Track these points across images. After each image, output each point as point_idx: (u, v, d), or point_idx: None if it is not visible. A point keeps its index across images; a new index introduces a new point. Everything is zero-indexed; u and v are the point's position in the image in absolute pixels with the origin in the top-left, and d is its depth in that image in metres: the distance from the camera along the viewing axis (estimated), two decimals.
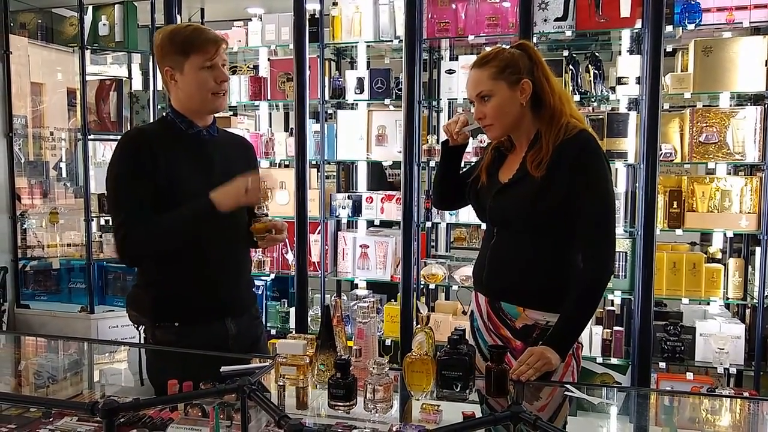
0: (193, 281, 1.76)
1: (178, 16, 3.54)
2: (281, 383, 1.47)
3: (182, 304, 1.76)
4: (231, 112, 4.02)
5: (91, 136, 3.89)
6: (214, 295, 1.79)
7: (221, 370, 1.48)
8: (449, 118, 3.84)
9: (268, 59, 3.71)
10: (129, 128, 4.01)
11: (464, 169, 1.99)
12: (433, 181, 2.03)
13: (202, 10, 4.56)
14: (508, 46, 1.76)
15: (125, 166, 1.71)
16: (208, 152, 1.80)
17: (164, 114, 1.84)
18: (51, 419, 1.50)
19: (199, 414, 1.44)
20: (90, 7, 3.93)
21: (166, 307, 1.76)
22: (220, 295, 1.80)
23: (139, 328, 1.82)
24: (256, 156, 2.03)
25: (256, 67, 3.84)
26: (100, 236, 4.00)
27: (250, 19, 3.63)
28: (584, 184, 1.63)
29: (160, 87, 4.01)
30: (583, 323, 1.68)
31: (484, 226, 2.03)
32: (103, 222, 4.20)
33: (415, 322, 3.21)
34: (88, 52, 3.86)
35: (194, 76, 1.72)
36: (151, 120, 4.01)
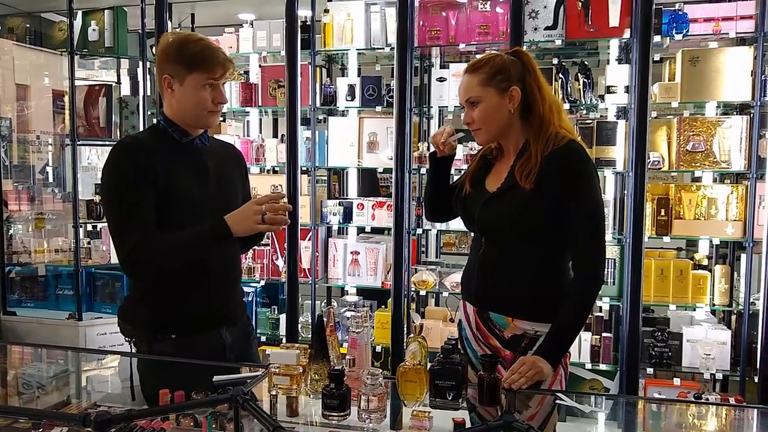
0: (191, 292, 1.73)
1: (169, 22, 3.52)
2: (274, 393, 1.47)
3: (180, 316, 1.73)
4: (221, 118, 4.01)
5: (80, 142, 3.87)
6: (211, 305, 1.77)
7: (214, 380, 1.48)
8: (440, 125, 3.88)
9: (259, 65, 3.71)
10: (119, 134, 3.99)
11: (455, 180, 2.00)
12: (424, 194, 2.04)
13: (193, 15, 4.55)
14: (503, 53, 1.77)
15: (126, 174, 1.66)
16: (202, 161, 1.79)
17: (155, 122, 1.82)
18: (41, 430, 1.49)
19: (191, 424, 1.44)
20: (80, 12, 3.91)
21: (164, 319, 1.74)
22: (216, 305, 1.79)
23: (131, 341, 1.78)
24: (246, 164, 2.03)
25: (246, 73, 3.84)
26: (88, 242, 3.96)
27: (241, 26, 3.63)
28: (574, 194, 1.64)
29: (149, 93, 3.99)
30: (575, 333, 1.69)
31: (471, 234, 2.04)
32: (90, 228, 4.16)
33: (406, 331, 3.22)
34: (76, 57, 3.83)
35: (194, 91, 1.70)
36: (141, 125, 4.00)
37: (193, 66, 1.68)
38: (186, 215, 1.69)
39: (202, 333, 1.75)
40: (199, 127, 1.79)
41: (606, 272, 3.12)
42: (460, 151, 3.22)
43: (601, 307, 3.22)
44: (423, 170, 3.28)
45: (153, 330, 1.74)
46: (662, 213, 3.02)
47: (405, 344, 3.12)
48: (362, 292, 3.56)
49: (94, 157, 4.57)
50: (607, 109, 3.17)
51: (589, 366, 3.12)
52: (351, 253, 3.47)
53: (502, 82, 1.69)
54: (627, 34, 2.96)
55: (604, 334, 3.11)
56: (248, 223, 1.64)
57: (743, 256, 2.98)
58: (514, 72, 1.70)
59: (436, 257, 4.14)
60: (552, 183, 1.63)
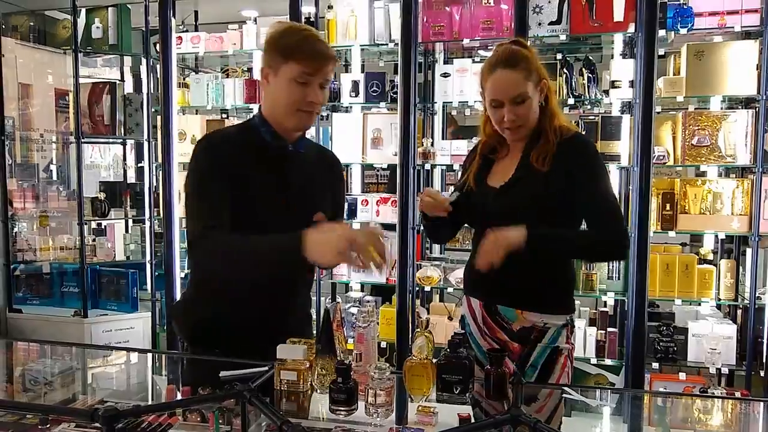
0: (239, 304, 1.61)
1: (173, 19, 3.53)
2: (281, 388, 1.48)
3: (221, 330, 1.63)
4: (224, 115, 4.02)
5: (84, 140, 3.87)
6: (260, 322, 1.62)
7: (220, 375, 1.48)
8: (444, 121, 3.87)
9: None
10: (123, 131, 4.00)
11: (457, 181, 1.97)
12: (424, 228, 1.98)
13: (196, 12, 4.55)
14: (507, 42, 1.75)
15: (202, 169, 1.58)
16: (288, 169, 1.63)
17: (251, 118, 1.69)
18: (48, 426, 1.49)
19: (198, 419, 1.44)
20: (83, 10, 3.91)
21: (204, 332, 1.66)
22: (267, 323, 1.62)
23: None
24: (342, 174, 1.84)
25: (250, 70, 3.84)
26: (93, 240, 3.98)
27: (245, 22, 3.63)
28: (587, 179, 1.67)
29: (152, 90, 4.00)
30: (568, 248, 1.71)
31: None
32: (95, 225, 4.18)
33: (412, 326, 3.22)
34: (80, 55, 3.83)
35: (285, 85, 1.54)
36: (145, 122, 4.01)
37: (288, 55, 1.53)
38: (246, 226, 1.52)
39: (246, 353, 1.61)
40: (289, 128, 1.62)
41: (611, 267, 3.12)
42: (464, 147, 3.21)
43: (606, 302, 3.22)
44: (427, 166, 3.28)
45: (193, 339, 1.72)
46: (667, 207, 3.01)
47: (410, 340, 3.13)
48: (366, 288, 3.56)
49: (96, 155, 4.58)
50: (611, 104, 3.16)
51: (594, 361, 3.11)
52: None
53: (536, 77, 1.69)
54: (632, 29, 2.95)
55: (609, 329, 3.10)
56: (330, 252, 1.37)
57: (749, 251, 2.97)
58: (536, 65, 1.71)
59: (440, 253, 4.14)
60: (564, 170, 1.66)
